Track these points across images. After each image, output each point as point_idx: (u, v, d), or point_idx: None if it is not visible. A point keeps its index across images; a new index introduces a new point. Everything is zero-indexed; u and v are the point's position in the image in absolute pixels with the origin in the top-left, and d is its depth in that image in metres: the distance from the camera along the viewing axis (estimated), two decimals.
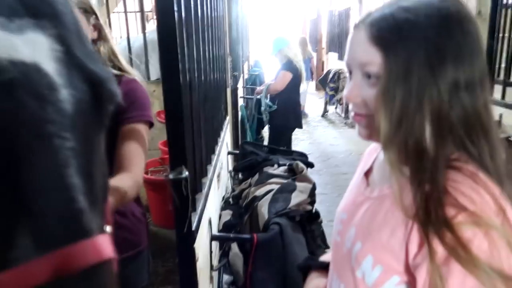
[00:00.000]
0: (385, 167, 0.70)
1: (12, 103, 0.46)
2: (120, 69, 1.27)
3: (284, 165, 2.06)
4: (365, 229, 0.72)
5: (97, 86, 0.59)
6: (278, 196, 1.79)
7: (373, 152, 0.86)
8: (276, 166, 2.08)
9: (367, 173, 0.82)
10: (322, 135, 7.02)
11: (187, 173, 1.10)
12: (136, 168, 1.15)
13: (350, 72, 0.73)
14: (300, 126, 4.77)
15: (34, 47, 0.50)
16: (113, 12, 4.34)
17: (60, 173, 0.48)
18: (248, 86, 6.38)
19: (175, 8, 1.03)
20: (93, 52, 0.61)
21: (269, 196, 1.80)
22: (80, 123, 0.54)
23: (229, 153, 2.58)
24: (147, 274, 1.41)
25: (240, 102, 4.89)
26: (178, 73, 1.06)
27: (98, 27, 1.22)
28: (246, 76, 6.90)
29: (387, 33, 0.65)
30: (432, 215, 0.59)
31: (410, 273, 0.63)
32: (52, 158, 0.47)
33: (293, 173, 1.96)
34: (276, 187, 1.85)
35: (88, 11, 1.18)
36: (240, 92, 5.29)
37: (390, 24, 0.65)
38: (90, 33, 1.19)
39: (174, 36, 1.03)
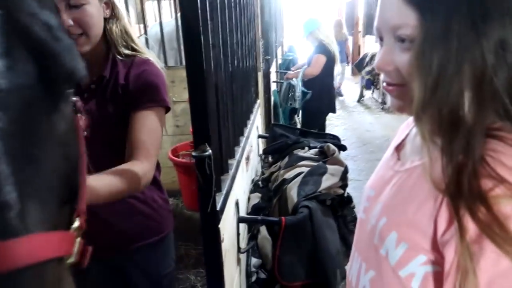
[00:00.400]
0: (417, 139, 0.64)
1: None
2: (133, 49, 1.21)
3: (315, 147, 1.99)
4: (391, 204, 0.67)
5: (47, 59, 0.51)
6: (308, 179, 1.74)
7: (406, 128, 0.80)
8: (306, 148, 2.02)
9: (398, 148, 0.76)
10: (357, 121, 6.84)
11: (210, 151, 1.07)
12: (146, 157, 1.09)
13: (381, 39, 0.66)
14: (334, 111, 4.65)
15: None
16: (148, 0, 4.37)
17: None
18: (281, 70, 6.30)
19: None
20: (51, 17, 0.53)
21: (299, 179, 1.75)
22: (15, 100, 0.47)
23: (259, 136, 2.54)
24: (172, 260, 1.39)
25: (273, 86, 4.83)
26: (200, 48, 1.02)
27: (110, 5, 1.17)
28: (279, 61, 6.82)
29: None
30: (464, 187, 0.53)
31: (437, 251, 0.57)
32: None
33: (324, 156, 1.90)
34: (306, 169, 1.79)
35: None
36: (273, 77, 5.22)
37: None
38: (102, 11, 1.13)
39: (196, 8, 0.99)
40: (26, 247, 0.42)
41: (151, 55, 1.25)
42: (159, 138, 1.16)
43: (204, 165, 1.07)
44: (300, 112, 4.70)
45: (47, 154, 0.52)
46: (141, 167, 1.06)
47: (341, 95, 8.64)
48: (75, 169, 0.64)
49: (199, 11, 1.00)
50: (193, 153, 1.07)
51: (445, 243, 0.55)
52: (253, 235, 1.76)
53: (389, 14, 0.62)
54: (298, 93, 4.58)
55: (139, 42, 1.25)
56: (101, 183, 0.97)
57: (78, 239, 0.60)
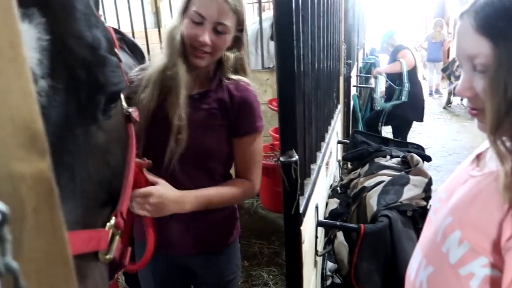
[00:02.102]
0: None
1: None
2: (240, 75, 1.33)
3: (398, 156, 1.96)
4: (458, 204, 0.69)
5: (86, 77, 0.59)
6: (389, 188, 1.72)
7: None
8: (388, 157, 1.99)
9: (480, 156, 0.77)
10: (443, 129, 6.45)
11: (297, 157, 1.13)
12: (252, 176, 1.32)
13: (461, 66, 0.71)
14: (421, 119, 4.46)
15: None
16: None
17: None
18: (362, 74, 6.16)
19: None
20: (98, 39, 0.62)
21: (379, 187, 1.74)
22: (55, 114, 0.55)
23: (339, 142, 2.55)
24: (237, 267, 1.45)
25: (353, 91, 4.76)
26: (293, 60, 1.08)
27: (239, 38, 1.29)
28: (360, 64, 6.68)
29: (494, 19, 0.61)
30: None
31: (499, 255, 0.59)
32: None
33: (407, 166, 1.86)
34: (387, 179, 1.77)
35: (239, 22, 1.23)
36: (354, 81, 5.14)
37: (497, 8, 0.61)
38: (227, 42, 1.24)
39: (290, 23, 1.05)
40: None
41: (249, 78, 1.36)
42: (261, 157, 1.36)
43: (290, 170, 1.13)
44: (384, 120, 4.56)
45: (82, 162, 0.61)
46: (247, 185, 1.31)
47: (439, 93, 8.48)
48: (116, 174, 0.73)
49: (293, 25, 1.06)
50: (281, 158, 1.14)
51: (508, 249, 0.57)
52: (329, 240, 1.79)
53: (464, 44, 0.66)
54: (378, 93, 4.49)
55: (249, 71, 1.36)
56: (215, 192, 1.25)
57: (117, 238, 0.70)
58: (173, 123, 1.20)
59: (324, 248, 1.76)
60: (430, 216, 0.82)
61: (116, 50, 0.88)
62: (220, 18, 1.18)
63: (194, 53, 1.21)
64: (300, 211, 1.22)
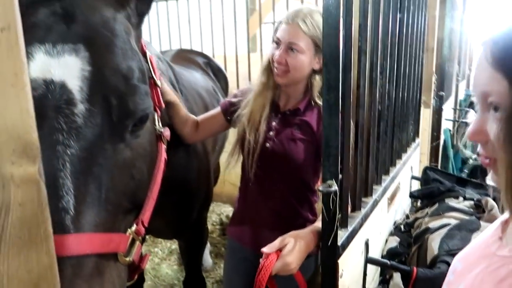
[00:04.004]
0: None
1: (37, 112, 0.62)
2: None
3: (471, 199, 1.79)
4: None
5: (118, 103, 0.69)
6: (454, 233, 1.58)
7: None
8: (461, 199, 1.83)
9: (506, 223, 0.66)
10: None
11: (336, 187, 1.12)
12: None
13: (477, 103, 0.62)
14: None
15: (65, 68, 0.65)
16: (264, 23, 4.61)
17: (54, 175, 0.60)
18: (460, 108, 5.70)
19: (341, 28, 1.06)
20: (132, 70, 0.72)
21: (444, 230, 1.60)
22: (89, 133, 0.66)
23: (413, 177, 2.40)
24: (314, 276, 1.45)
25: (447, 125, 4.43)
26: (337, 93, 1.09)
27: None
28: (461, 97, 6.19)
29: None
30: None
31: None
32: (51, 162, 0.60)
33: (480, 210, 1.69)
34: (454, 222, 1.63)
35: (318, 46, 1.36)
36: (448, 114, 4.78)
37: None
38: (312, 63, 1.40)
39: (337, 56, 1.06)
40: (71, 242, 0.60)
41: None
42: None
43: (329, 200, 1.12)
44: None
45: (109, 174, 0.72)
46: None
47: None
48: (140, 186, 0.83)
49: (341, 57, 1.07)
50: (320, 187, 1.13)
51: None
52: (384, 280, 1.69)
53: (479, 79, 0.59)
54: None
55: None
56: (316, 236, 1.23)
57: (137, 243, 0.78)
58: (254, 135, 1.44)
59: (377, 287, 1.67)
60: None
61: (155, 77, 1.00)
62: (292, 39, 1.36)
63: (274, 71, 1.43)
64: (339, 244, 1.19)
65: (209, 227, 3.58)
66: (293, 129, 1.46)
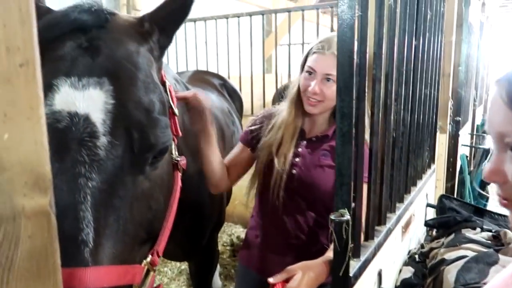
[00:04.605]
0: None
1: (60, 144, 0.63)
2: None
3: (489, 230, 1.73)
4: None
5: (139, 136, 0.70)
6: (471, 266, 1.53)
7: None
8: (478, 230, 1.77)
9: None
10: None
11: (348, 217, 1.10)
12: None
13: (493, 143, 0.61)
14: None
15: (89, 102, 0.66)
16: (280, 45, 4.65)
17: (75, 206, 0.61)
18: (477, 133, 5.62)
19: (355, 49, 1.06)
20: (153, 103, 0.74)
21: (460, 262, 1.55)
22: (110, 165, 0.67)
23: (428, 205, 2.35)
24: None
25: (464, 150, 4.36)
26: (351, 121, 1.08)
27: None
28: (478, 122, 6.11)
29: None
30: None
31: None
32: (72, 194, 0.61)
33: (499, 243, 1.63)
34: (471, 254, 1.58)
35: None
36: (466, 140, 4.71)
37: None
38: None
39: (350, 85, 1.07)
40: (89, 275, 0.60)
41: None
42: None
43: (341, 229, 1.10)
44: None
45: (127, 206, 0.72)
46: None
47: None
48: (157, 216, 0.83)
49: (354, 86, 1.07)
50: (331, 216, 1.12)
51: None
52: None
53: (495, 120, 0.57)
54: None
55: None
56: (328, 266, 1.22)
57: (151, 273, 0.77)
58: (282, 162, 1.42)
59: None
60: None
61: (173, 106, 1.01)
62: (328, 70, 1.38)
63: (307, 101, 1.43)
64: (351, 274, 1.16)
65: (220, 248, 3.54)
66: (320, 156, 1.47)
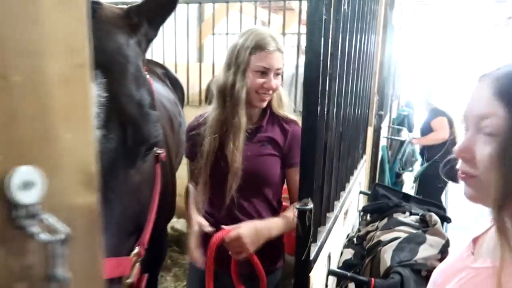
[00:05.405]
0: (493, 240, 0.67)
1: None
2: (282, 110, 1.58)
3: (417, 214, 1.97)
4: None
5: (132, 129, 0.72)
6: (404, 245, 1.73)
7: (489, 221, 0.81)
8: (407, 214, 2.00)
9: (476, 240, 0.78)
10: None
11: (312, 205, 1.19)
12: None
13: (467, 128, 0.71)
14: (454, 180, 4.38)
15: None
16: (215, 34, 4.74)
17: None
18: (394, 126, 6.16)
19: (321, 50, 1.15)
20: (144, 97, 0.76)
21: (395, 243, 1.75)
22: (104, 159, 0.68)
23: (361, 192, 2.57)
24: None
25: (383, 142, 4.77)
26: (316, 117, 1.17)
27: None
28: (393, 115, 6.68)
29: None
30: None
31: None
32: None
33: (425, 225, 1.86)
34: (403, 235, 1.78)
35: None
36: (385, 132, 5.15)
37: None
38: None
39: (317, 83, 1.15)
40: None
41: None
42: None
43: (305, 217, 1.20)
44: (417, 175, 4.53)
45: (120, 199, 0.74)
46: None
47: None
48: (144, 209, 0.85)
49: (319, 84, 1.16)
50: (297, 206, 1.20)
51: None
52: None
53: (478, 104, 0.67)
54: (416, 158, 4.46)
55: (287, 103, 1.62)
56: (275, 226, 1.44)
57: (137, 265, 0.81)
58: (232, 162, 1.45)
59: None
60: None
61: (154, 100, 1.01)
62: (279, 65, 1.46)
63: (259, 97, 1.48)
64: (311, 258, 1.27)
65: None
66: (259, 146, 1.54)
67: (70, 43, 0.39)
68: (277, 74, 1.48)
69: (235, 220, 1.55)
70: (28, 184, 0.35)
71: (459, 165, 0.71)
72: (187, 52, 4.17)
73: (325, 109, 1.33)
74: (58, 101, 0.39)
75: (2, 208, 0.34)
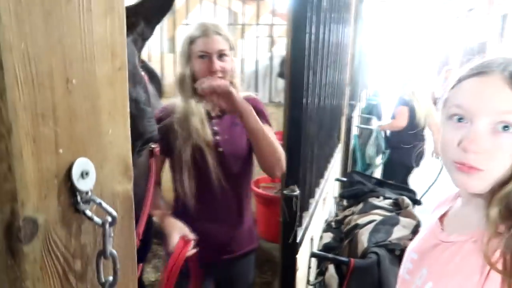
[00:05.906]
0: (463, 214, 0.73)
1: None
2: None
3: (390, 198, 2.10)
4: (439, 271, 0.74)
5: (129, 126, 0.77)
6: (379, 227, 1.85)
7: (450, 199, 0.86)
8: (381, 198, 2.13)
9: (442, 218, 0.83)
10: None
11: (298, 191, 1.28)
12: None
13: (460, 119, 0.70)
14: (417, 165, 4.59)
15: None
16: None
17: None
18: (363, 115, 6.36)
19: (306, 46, 1.22)
20: (141, 94, 0.78)
21: (371, 226, 1.87)
22: None
23: (336, 179, 2.69)
24: (253, 274, 1.59)
25: (355, 130, 4.94)
26: (301, 110, 1.25)
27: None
28: (363, 105, 6.89)
29: None
30: None
31: None
32: None
33: (398, 208, 2.00)
34: (378, 218, 1.91)
35: (231, 46, 1.47)
36: (356, 121, 5.32)
37: None
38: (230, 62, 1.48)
39: (302, 80, 1.23)
40: None
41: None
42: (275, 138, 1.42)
43: (291, 203, 1.28)
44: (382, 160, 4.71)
45: None
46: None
47: None
48: (139, 202, 0.89)
49: (304, 80, 1.24)
50: (284, 192, 1.28)
51: None
52: (321, 271, 1.90)
53: (496, 99, 0.66)
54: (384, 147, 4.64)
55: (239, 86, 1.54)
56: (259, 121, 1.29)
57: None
58: (206, 145, 1.42)
59: (316, 278, 1.87)
60: (404, 276, 0.84)
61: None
62: (221, 46, 1.42)
63: None
64: (297, 241, 1.35)
65: None
66: (233, 127, 1.51)
67: (113, 49, 0.44)
68: (222, 56, 1.44)
69: (220, 210, 1.52)
70: (84, 173, 0.41)
71: (461, 157, 0.68)
72: (161, 42, 4.15)
73: (308, 101, 1.40)
74: (104, 100, 0.44)
75: (65, 195, 0.40)
